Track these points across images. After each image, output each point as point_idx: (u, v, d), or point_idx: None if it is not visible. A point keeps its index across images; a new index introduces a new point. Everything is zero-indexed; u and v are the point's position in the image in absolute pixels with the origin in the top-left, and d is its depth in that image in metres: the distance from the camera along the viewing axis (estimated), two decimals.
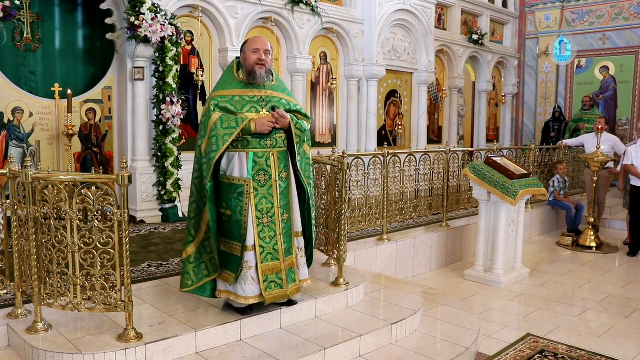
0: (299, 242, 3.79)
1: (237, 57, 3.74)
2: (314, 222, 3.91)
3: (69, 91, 6.31)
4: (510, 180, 5.85)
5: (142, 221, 6.58)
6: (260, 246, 3.52)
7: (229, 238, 3.52)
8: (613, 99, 12.51)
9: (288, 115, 3.56)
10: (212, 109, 3.48)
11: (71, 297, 3.19)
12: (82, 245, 3.12)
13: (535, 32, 13.43)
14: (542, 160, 9.28)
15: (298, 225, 3.77)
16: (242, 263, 3.50)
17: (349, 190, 5.61)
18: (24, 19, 6.35)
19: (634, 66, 12.21)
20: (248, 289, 3.52)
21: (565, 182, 8.81)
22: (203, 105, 7.46)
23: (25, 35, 6.39)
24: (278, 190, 3.58)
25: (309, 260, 3.96)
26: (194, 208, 3.56)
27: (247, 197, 3.47)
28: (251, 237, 3.50)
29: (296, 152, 3.66)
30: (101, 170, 5.88)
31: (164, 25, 6.44)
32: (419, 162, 6.73)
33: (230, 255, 3.53)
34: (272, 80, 3.69)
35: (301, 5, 8.20)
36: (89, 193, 3.07)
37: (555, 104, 13.02)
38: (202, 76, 7.25)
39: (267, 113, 3.55)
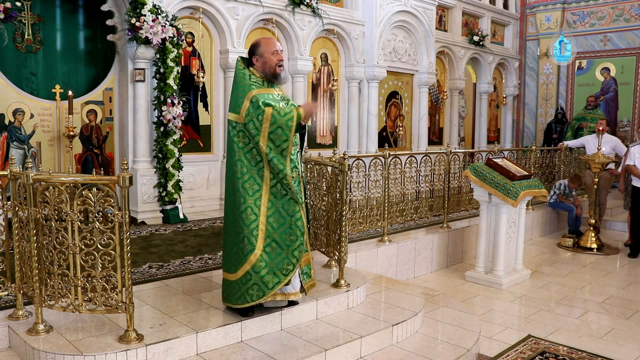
0: None
1: (244, 58, 3.73)
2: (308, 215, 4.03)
3: (70, 92, 6.32)
4: (511, 181, 5.85)
5: (142, 222, 6.58)
6: None
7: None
8: (614, 100, 12.52)
9: None
10: (262, 105, 3.46)
11: (72, 298, 3.19)
12: (82, 246, 3.12)
13: (536, 33, 13.44)
14: (543, 161, 9.27)
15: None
16: None
17: (350, 191, 5.61)
18: (25, 20, 6.36)
19: (634, 67, 12.21)
20: (296, 284, 3.67)
21: (571, 191, 8.69)
22: (204, 106, 7.48)
23: (26, 36, 6.40)
24: (303, 185, 3.70)
25: None
26: (248, 214, 3.49)
27: None
28: None
29: (303, 149, 3.83)
30: (102, 172, 5.90)
31: (164, 26, 6.44)
32: (420, 164, 6.73)
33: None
34: None
35: (302, 6, 8.20)
36: (90, 194, 3.07)
37: (557, 106, 13.03)
38: (202, 77, 7.26)
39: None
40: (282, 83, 3.71)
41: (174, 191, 6.73)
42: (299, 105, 3.55)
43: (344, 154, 4.83)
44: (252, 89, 3.55)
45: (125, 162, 3.18)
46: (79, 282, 3.16)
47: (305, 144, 3.99)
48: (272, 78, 3.63)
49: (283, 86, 3.89)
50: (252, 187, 3.50)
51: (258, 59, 3.63)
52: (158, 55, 6.58)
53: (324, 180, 4.62)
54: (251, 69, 3.64)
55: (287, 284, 3.59)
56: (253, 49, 3.66)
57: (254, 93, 3.53)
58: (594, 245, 7.77)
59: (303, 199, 3.68)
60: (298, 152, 3.67)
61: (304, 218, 3.55)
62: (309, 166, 4.78)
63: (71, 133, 6.27)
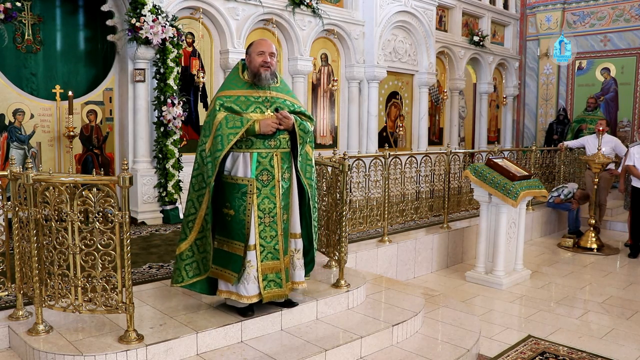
0: (297, 243, 3.79)
1: (243, 59, 3.77)
2: (315, 223, 3.89)
3: (70, 93, 6.32)
4: (511, 181, 5.85)
5: (143, 223, 6.59)
6: (261, 245, 3.56)
7: (232, 238, 3.54)
8: (614, 101, 12.51)
9: (292, 116, 3.60)
10: (218, 109, 3.51)
11: (72, 298, 3.19)
12: (83, 246, 3.12)
13: (536, 33, 13.43)
14: (543, 161, 9.28)
15: (296, 227, 3.78)
16: (244, 262, 3.51)
17: (350, 191, 5.61)
18: (25, 20, 6.35)
19: (635, 68, 12.21)
20: (250, 288, 3.55)
21: (573, 200, 8.66)
22: (204, 106, 7.48)
23: (26, 37, 6.40)
24: (280, 190, 3.61)
25: (311, 263, 3.97)
26: (189, 206, 3.61)
27: (250, 197, 3.50)
28: (253, 237, 3.53)
29: (298, 153, 3.68)
30: (102, 172, 5.89)
31: (165, 26, 6.44)
32: (420, 164, 6.73)
33: (232, 255, 3.54)
34: (277, 82, 3.74)
35: (302, 6, 8.20)
36: (90, 195, 3.07)
37: (558, 107, 13.03)
38: (203, 78, 7.26)
39: (272, 114, 3.58)
40: (263, 84, 3.62)
41: (174, 191, 6.73)
42: (257, 120, 3.49)
43: (344, 154, 4.82)
44: (224, 89, 3.66)
45: (126, 163, 3.18)
46: (79, 283, 3.16)
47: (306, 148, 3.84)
48: (253, 78, 3.63)
49: (290, 84, 3.89)
50: (199, 183, 3.56)
51: (247, 59, 3.69)
52: (158, 56, 6.58)
53: (324, 180, 4.62)
54: (246, 71, 3.69)
55: (233, 284, 3.53)
56: (247, 50, 3.74)
57: (222, 94, 3.61)
58: (594, 246, 7.77)
59: (278, 204, 3.58)
60: (275, 155, 3.58)
61: (210, 236, 3.52)
62: None
63: (71, 133, 6.27)
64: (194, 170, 3.61)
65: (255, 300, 3.57)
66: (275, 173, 3.59)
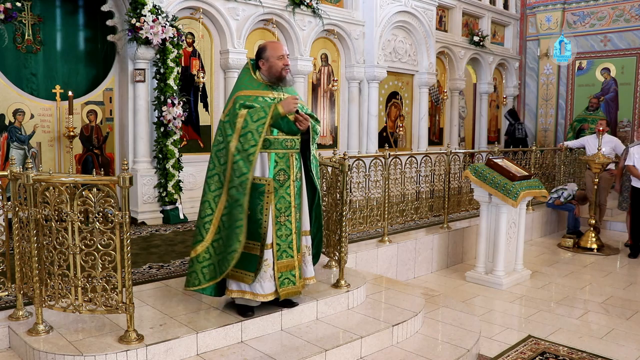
0: (307, 240, 3.89)
1: (252, 59, 3.80)
2: (322, 220, 4.02)
3: (70, 93, 6.32)
4: (511, 182, 5.85)
5: (143, 223, 6.59)
6: (277, 244, 3.62)
7: (247, 238, 3.55)
8: (614, 101, 12.51)
9: (309, 118, 3.69)
10: (238, 108, 3.54)
11: (72, 298, 3.19)
12: (83, 247, 3.12)
13: (536, 33, 13.43)
14: (544, 162, 9.28)
15: (307, 224, 3.88)
16: (261, 262, 3.56)
17: (350, 192, 5.61)
18: (25, 20, 6.36)
19: (635, 68, 12.20)
20: (266, 287, 3.60)
21: (573, 201, 8.68)
22: (204, 106, 7.48)
23: (26, 37, 6.40)
24: (294, 190, 3.68)
25: (316, 258, 4.07)
26: (206, 207, 3.60)
27: (268, 197, 3.55)
28: (270, 236, 3.58)
29: (310, 154, 3.79)
30: (102, 172, 5.89)
31: (165, 27, 6.44)
32: (420, 164, 6.73)
33: (248, 254, 3.57)
34: None
35: (302, 6, 8.20)
36: (90, 195, 3.07)
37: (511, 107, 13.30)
38: (203, 78, 7.26)
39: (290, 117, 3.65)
40: (289, 85, 3.74)
41: (174, 191, 6.74)
42: (277, 103, 3.56)
43: (344, 155, 4.82)
44: (241, 89, 3.67)
45: (126, 163, 3.19)
46: (79, 283, 3.17)
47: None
48: (277, 81, 3.69)
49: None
50: (215, 184, 3.58)
51: (264, 63, 3.70)
52: (158, 56, 6.58)
53: (324, 180, 4.62)
54: (257, 72, 3.72)
55: (249, 283, 3.56)
56: (260, 53, 3.73)
57: (240, 94, 3.63)
58: (594, 246, 7.77)
59: (292, 204, 3.65)
60: (291, 155, 3.66)
61: (245, 227, 3.45)
62: None
63: (71, 133, 6.27)
64: (208, 170, 3.63)
65: (270, 298, 3.63)
66: (290, 173, 3.66)
